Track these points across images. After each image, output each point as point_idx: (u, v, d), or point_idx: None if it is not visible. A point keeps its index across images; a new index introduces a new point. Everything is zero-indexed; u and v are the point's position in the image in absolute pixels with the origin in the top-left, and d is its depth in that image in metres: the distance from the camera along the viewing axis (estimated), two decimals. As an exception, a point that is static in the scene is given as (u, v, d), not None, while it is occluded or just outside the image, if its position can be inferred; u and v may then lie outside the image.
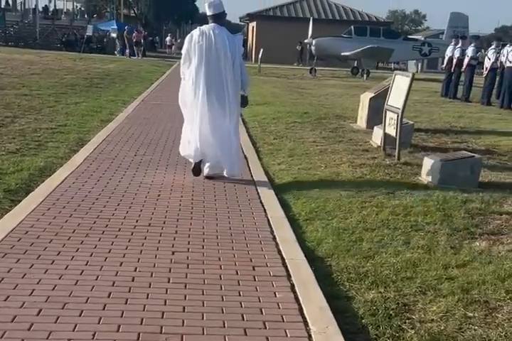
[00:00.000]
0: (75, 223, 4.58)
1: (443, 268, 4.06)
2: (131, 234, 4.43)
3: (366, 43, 26.61)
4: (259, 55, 27.99)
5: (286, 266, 3.99)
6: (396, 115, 7.40)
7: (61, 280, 3.52)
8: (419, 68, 36.17)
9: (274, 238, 4.56)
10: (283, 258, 4.13)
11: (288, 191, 5.97)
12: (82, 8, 55.34)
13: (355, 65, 28.27)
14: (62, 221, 4.61)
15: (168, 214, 5.01)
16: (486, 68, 16.96)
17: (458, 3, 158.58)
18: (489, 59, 16.82)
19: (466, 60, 17.43)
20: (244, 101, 6.35)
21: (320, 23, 33.16)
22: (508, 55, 15.66)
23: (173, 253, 4.10)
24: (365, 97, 10.55)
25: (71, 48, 35.33)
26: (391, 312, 3.40)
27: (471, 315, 3.39)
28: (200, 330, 3.03)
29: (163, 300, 3.35)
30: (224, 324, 3.11)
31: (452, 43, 18.92)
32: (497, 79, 16.74)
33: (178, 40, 47.68)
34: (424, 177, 6.51)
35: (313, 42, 27.71)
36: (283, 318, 3.23)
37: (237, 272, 3.83)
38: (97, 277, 3.60)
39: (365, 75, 26.41)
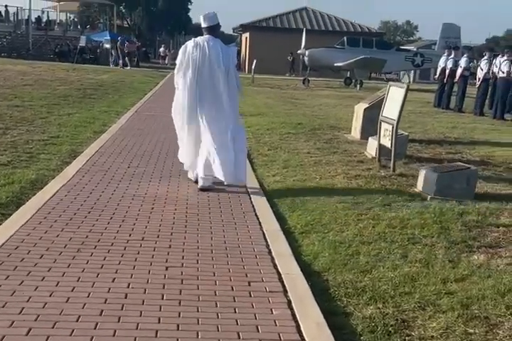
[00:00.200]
0: (67, 237, 4.49)
1: (442, 282, 3.99)
2: (124, 249, 4.34)
3: (359, 54, 26.69)
4: (253, 66, 28.06)
5: (283, 281, 3.91)
6: (391, 126, 7.37)
7: (52, 297, 3.43)
8: (411, 79, 36.28)
9: (270, 252, 4.48)
10: (279, 273, 4.06)
11: (283, 203, 5.90)
12: (75, 19, 55.23)
13: (348, 75, 28.35)
14: (53, 235, 4.52)
15: (162, 227, 4.93)
16: (479, 78, 17.02)
17: (449, 13, 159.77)
18: (482, 69, 16.88)
19: (459, 71, 17.48)
20: None
21: (313, 33, 33.27)
22: (500, 65, 15.73)
23: (166, 268, 4.02)
24: (360, 108, 10.53)
25: (64, 59, 35.28)
26: (390, 328, 3.32)
27: (471, 331, 3.32)
28: (195, 349, 2.95)
29: (156, 317, 3.26)
30: (219, 342, 3.03)
31: (445, 54, 18.99)
32: (489, 89, 16.80)
33: (172, 51, 47.74)
34: (420, 189, 6.46)
35: (307, 52, 27.78)
36: (280, 336, 3.15)
37: (232, 288, 3.76)
38: (89, 294, 3.51)
39: (358, 86, 26.50)
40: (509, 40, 66.51)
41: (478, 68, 17.43)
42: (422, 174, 6.53)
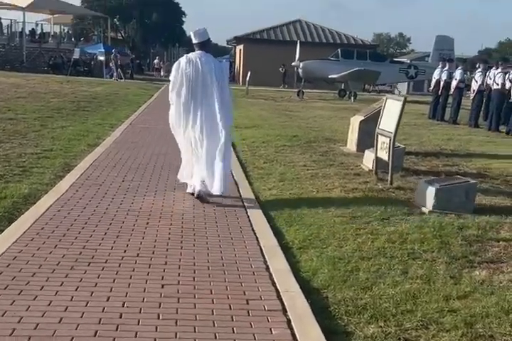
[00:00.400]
0: (60, 254, 4.38)
1: (444, 299, 3.90)
2: (119, 266, 4.24)
3: (353, 66, 26.77)
4: (247, 78, 28.08)
5: (281, 299, 3.81)
6: (388, 139, 7.32)
7: (44, 317, 3.33)
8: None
9: (268, 268, 4.39)
10: (277, 290, 3.96)
11: (280, 218, 5.82)
12: (70, 32, 55.30)
13: (343, 87, 28.41)
14: (46, 252, 4.41)
15: (158, 243, 4.83)
16: (473, 90, 17.06)
17: (441, 25, 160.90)
18: (476, 81, 16.92)
19: (454, 83, 17.51)
20: None
21: (307, 46, 33.36)
22: (494, 77, 15.76)
23: (162, 286, 3.92)
24: (355, 120, 10.48)
25: (58, 71, 35.19)
26: (393, 348, 3.23)
27: (476, 351, 3.24)
28: (193, 373, 2.85)
29: (152, 338, 3.16)
30: (218, 365, 2.94)
31: (439, 66, 19.05)
32: (484, 101, 16.82)
33: (166, 63, 47.79)
34: (419, 203, 6.39)
35: (301, 65, 27.83)
36: (280, 357, 3.06)
37: (230, 306, 3.66)
38: (82, 314, 3.40)
39: (352, 97, 26.53)
40: (502, 52, 67.04)
41: (473, 80, 17.47)
42: (420, 187, 6.47)
